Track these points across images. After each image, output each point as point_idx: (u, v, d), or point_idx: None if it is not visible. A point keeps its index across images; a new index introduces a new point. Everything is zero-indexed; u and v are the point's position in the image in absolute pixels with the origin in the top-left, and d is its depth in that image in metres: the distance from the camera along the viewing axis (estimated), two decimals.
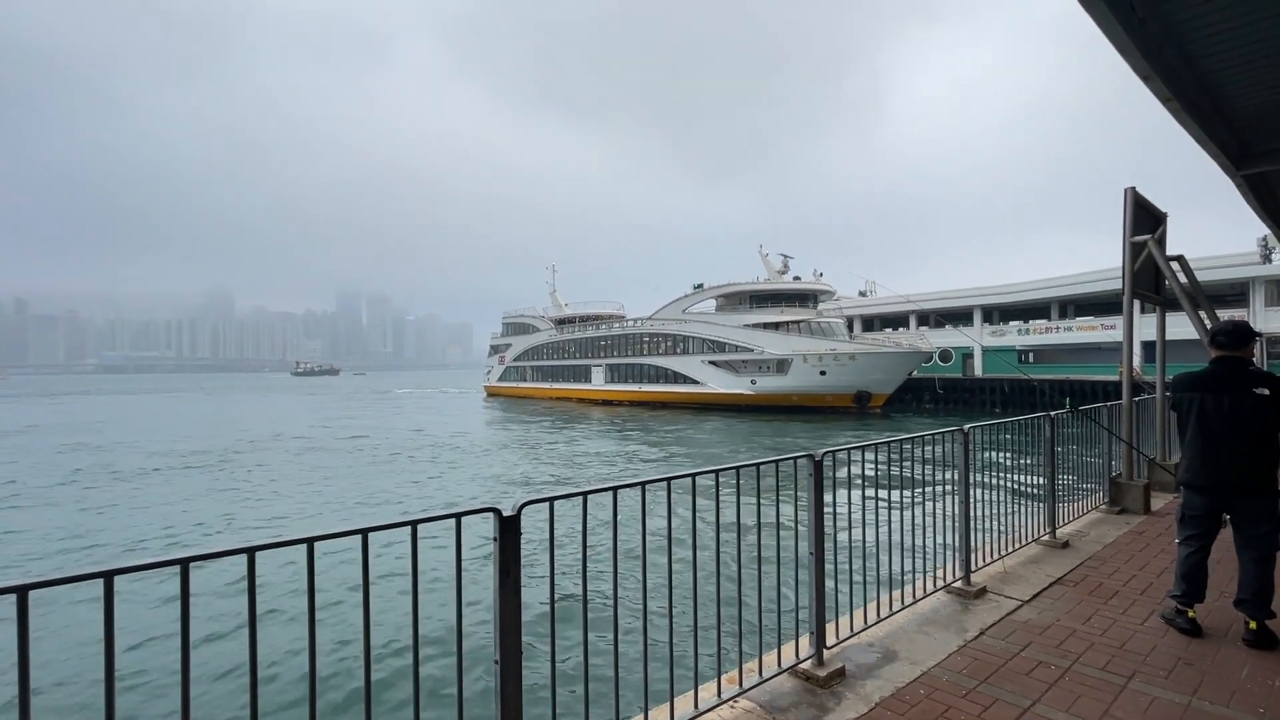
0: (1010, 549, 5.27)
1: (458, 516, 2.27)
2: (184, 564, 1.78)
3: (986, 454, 5.21)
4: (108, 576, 1.66)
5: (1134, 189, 7.00)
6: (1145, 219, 7.26)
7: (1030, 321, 46.07)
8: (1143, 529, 6.23)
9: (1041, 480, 5.77)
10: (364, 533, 2.07)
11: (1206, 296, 7.71)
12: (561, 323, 58.99)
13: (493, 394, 64.72)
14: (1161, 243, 7.26)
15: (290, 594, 8.03)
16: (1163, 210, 7.52)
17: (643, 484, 2.80)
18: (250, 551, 1.87)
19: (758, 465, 3.32)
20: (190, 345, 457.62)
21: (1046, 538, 5.68)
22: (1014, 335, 45.40)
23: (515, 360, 62.21)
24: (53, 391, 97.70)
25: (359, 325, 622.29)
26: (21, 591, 1.57)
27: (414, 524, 2.20)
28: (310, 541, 1.98)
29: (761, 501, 3.34)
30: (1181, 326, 7.84)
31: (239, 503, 15.23)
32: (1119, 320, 7.30)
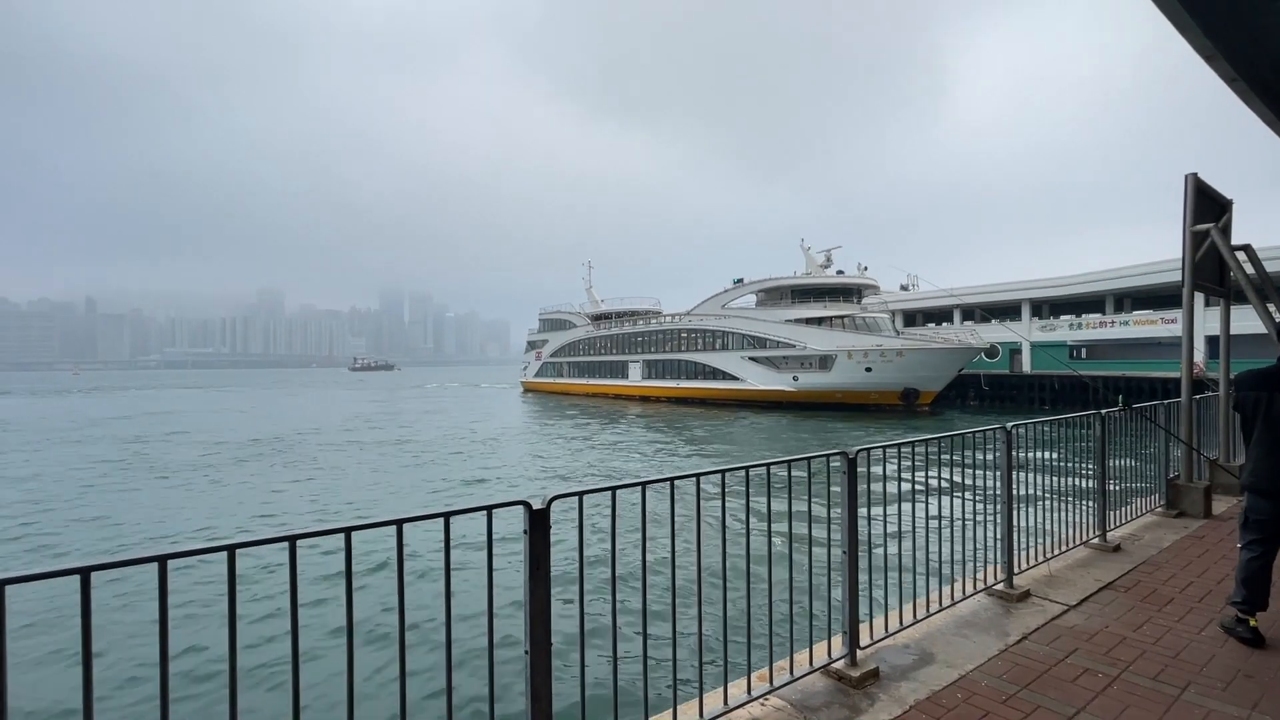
0: (1056, 551, 5.09)
1: (489, 509, 2.32)
2: (230, 550, 1.86)
3: (1032, 453, 5.03)
4: (161, 560, 1.76)
5: (1195, 175, 6.64)
6: (1208, 206, 6.87)
7: (1083, 315, 44.14)
8: (1203, 533, 5.92)
9: (1091, 481, 5.54)
10: (399, 524, 2.13)
11: (1277, 289, 7.26)
12: (598, 319, 59.26)
13: (530, 389, 65.57)
14: (1226, 231, 6.86)
15: (326, 580, 8.31)
16: (1228, 197, 7.10)
17: (671, 479, 2.80)
18: (292, 540, 1.95)
19: (789, 462, 3.29)
20: (243, 342, 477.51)
21: (1096, 541, 5.45)
22: (1065, 330, 43.57)
23: (552, 356, 62.86)
24: (152, 384, 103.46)
25: (401, 322, 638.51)
26: (84, 573, 1.67)
27: (446, 516, 2.25)
28: (348, 531, 2.05)
29: (794, 499, 3.31)
30: (1249, 320, 7.39)
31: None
32: (1180, 314, 6.93)
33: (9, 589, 1.57)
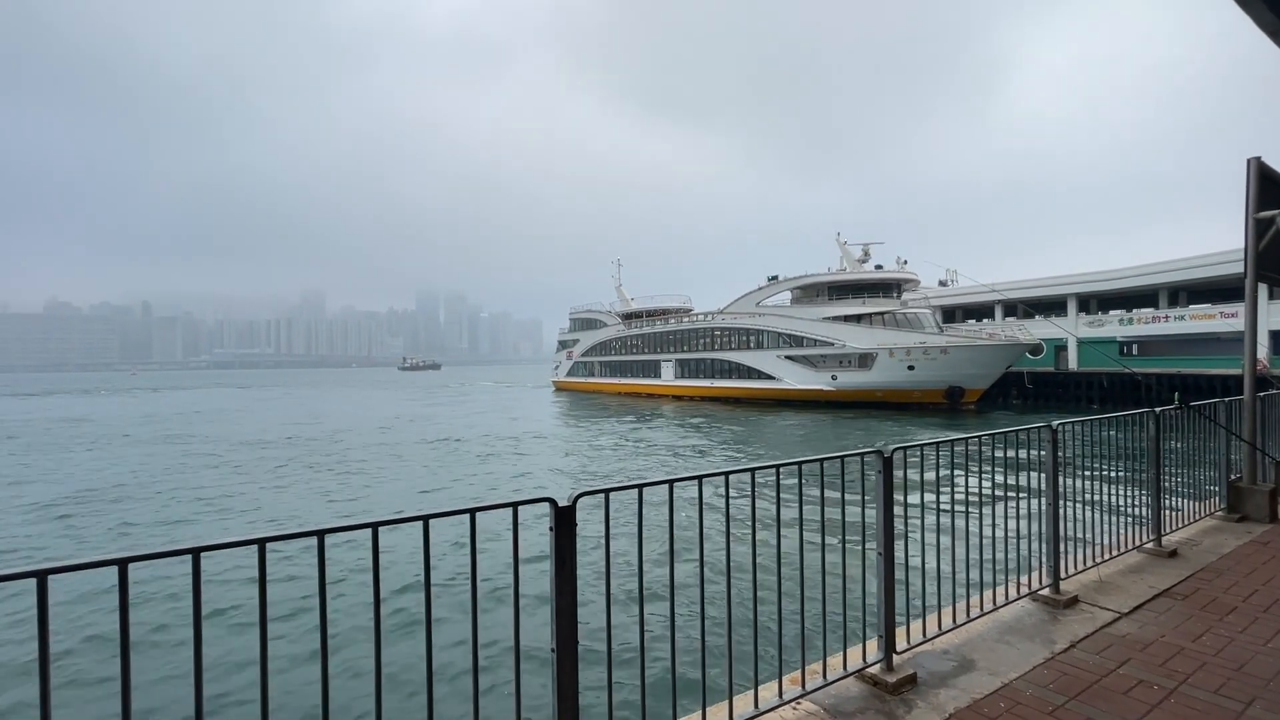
0: (1107, 556, 4.85)
1: (514, 506, 2.31)
2: (261, 544, 1.89)
3: (1080, 453, 4.81)
4: (195, 553, 1.79)
5: (1259, 159, 6.26)
6: (1273, 192, 6.47)
7: (1134, 310, 42.27)
8: (1268, 539, 5.58)
9: (1145, 482, 5.28)
10: (425, 519, 2.14)
11: None
12: (628, 317, 59.28)
13: (561, 389, 66.05)
14: None
15: (354, 573, 8.49)
16: None
17: (699, 478, 2.75)
18: (320, 534, 1.97)
19: (821, 461, 3.20)
20: (287, 343, 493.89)
21: (1150, 545, 5.19)
22: (1114, 325, 41.80)
23: (583, 355, 63.18)
24: (221, 383, 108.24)
25: (436, 323, 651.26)
26: (122, 564, 1.72)
27: (473, 512, 2.25)
28: (375, 526, 2.07)
29: (827, 499, 3.22)
30: None
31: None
32: (1241, 307, 6.56)
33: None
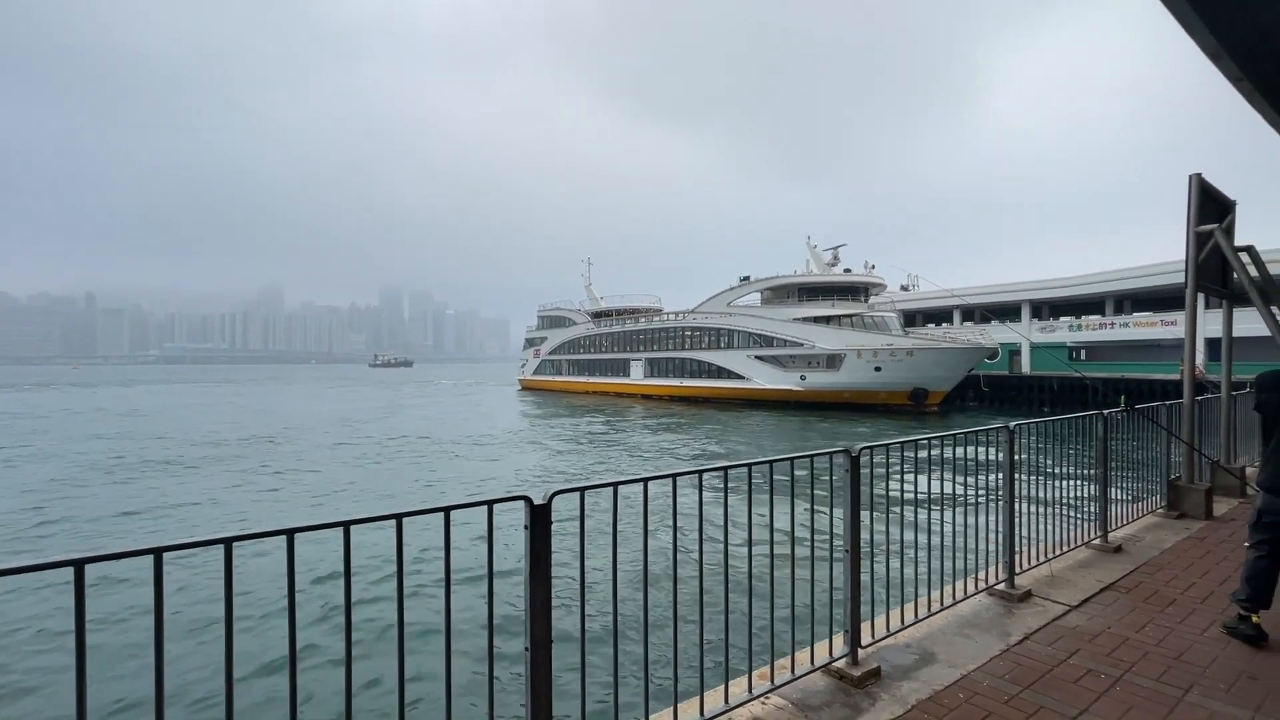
0: (1058, 552, 5.07)
1: (489, 504, 2.29)
2: (227, 543, 1.84)
3: (1033, 453, 5.01)
4: (157, 553, 1.74)
5: (1199, 175, 6.62)
6: (1212, 207, 6.85)
7: (1083, 317, 44.17)
8: (1204, 535, 5.90)
9: (1093, 482, 5.53)
10: (398, 518, 2.11)
11: None
12: (598, 316, 59.08)
13: (527, 387, 65.46)
14: (1230, 232, 6.83)
15: (321, 574, 8.29)
16: (1232, 198, 7.08)
17: (673, 476, 2.78)
18: (290, 533, 1.93)
19: (791, 460, 3.27)
20: (242, 338, 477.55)
21: (1097, 541, 5.44)
22: (1065, 331, 43.59)
23: (551, 354, 62.73)
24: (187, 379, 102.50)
25: (400, 319, 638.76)
26: (78, 565, 1.65)
27: (447, 510, 2.23)
28: (346, 525, 2.03)
29: (797, 497, 3.29)
30: (1252, 323, 7.41)
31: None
32: (1181, 316, 6.93)
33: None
